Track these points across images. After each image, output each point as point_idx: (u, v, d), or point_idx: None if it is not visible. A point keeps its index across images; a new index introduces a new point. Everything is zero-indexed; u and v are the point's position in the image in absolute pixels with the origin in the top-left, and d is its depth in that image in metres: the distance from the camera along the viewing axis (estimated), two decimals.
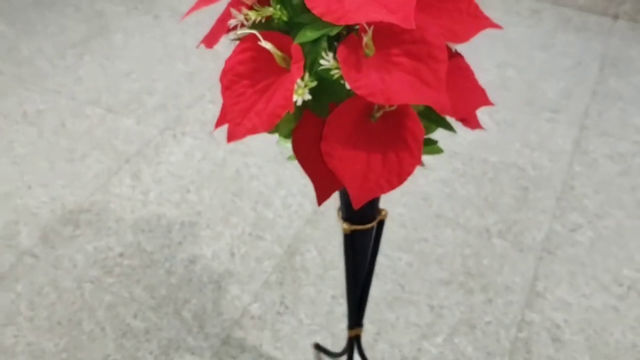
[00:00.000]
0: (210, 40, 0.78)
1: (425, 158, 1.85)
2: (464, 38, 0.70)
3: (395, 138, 0.70)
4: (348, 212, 0.95)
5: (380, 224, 0.99)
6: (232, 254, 1.60)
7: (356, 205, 0.71)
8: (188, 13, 0.73)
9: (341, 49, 0.65)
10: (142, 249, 1.60)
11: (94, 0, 2.62)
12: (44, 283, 1.52)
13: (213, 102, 2.06)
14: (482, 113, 2.02)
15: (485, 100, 0.78)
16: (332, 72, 0.68)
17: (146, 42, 2.37)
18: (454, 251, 1.60)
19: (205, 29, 2.37)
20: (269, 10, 0.72)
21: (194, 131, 1.96)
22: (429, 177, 1.80)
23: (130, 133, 1.95)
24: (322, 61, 0.67)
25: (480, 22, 0.72)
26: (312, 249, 1.61)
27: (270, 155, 1.87)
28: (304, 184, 1.78)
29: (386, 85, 0.64)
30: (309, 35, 0.67)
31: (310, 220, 1.68)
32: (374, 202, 0.94)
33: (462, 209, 1.71)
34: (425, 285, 1.52)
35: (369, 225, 0.96)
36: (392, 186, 0.70)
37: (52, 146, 1.91)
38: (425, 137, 0.82)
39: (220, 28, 0.76)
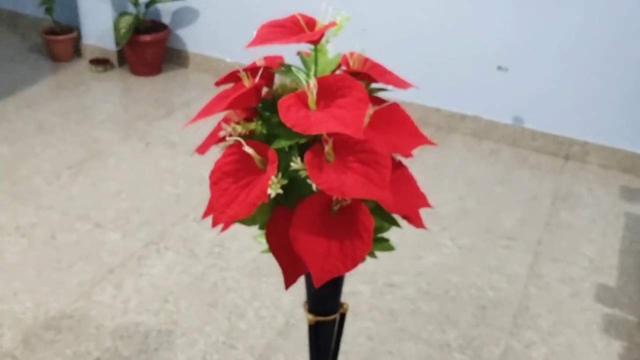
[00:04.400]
0: (202, 148, 0.96)
1: (394, 278, 1.99)
2: (405, 150, 0.88)
3: (350, 228, 0.85)
4: (313, 304, 1.07)
5: (342, 317, 1.11)
6: None
7: (317, 284, 0.84)
8: (193, 121, 0.90)
9: (308, 154, 0.82)
10: (119, 354, 1.67)
11: (92, 127, 2.84)
12: None
13: (196, 221, 2.22)
14: (445, 238, 2.19)
15: (425, 203, 0.94)
16: (300, 173, 0.84)
17: (137, 166, 2.56)
18: None
19: (193, 158, 2.59)
20: (252, 125, 0.90)
21: (176, 246, 2.09)
22: (395, 294, 1.93)
23: (116, 246, 2.08)
24: (292, 164, 0.84)
25: (418, 139, 0.91)
26: (282, 359, 1.69)
27: (246, 270, 2.00)
28: (277, 297, 1.89)
29: (342, 182, 0.81)
30: (282, 143, 0.84)
31: (281, 332, 1.78)
32: (337, 295, 1.07)
33: (425, 324, 1.82)
34: None
35: (331, 317, 1.08)
36: (347, 268, 0.85)
37: (40, 256, 2.02)
38: (378, 235, 0.97)
39: (211, 139, 0.94)
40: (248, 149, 0.84)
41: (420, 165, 2.62)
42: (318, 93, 0.84)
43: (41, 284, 1.91)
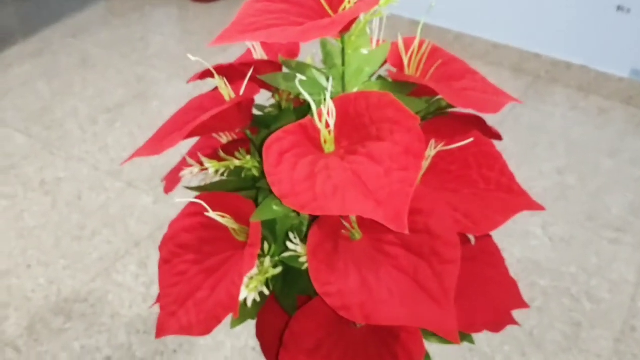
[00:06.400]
0: (169, 184, 0.62)
1: None
2: (487, 226, 0.51)
3: (382, 355, 0.51)
4: None
5: None
6: None
7: None
8: (127, 160, 0.57)
9: (313, 233, 0.47)
10: (132, 354, 1.43)
11: (138, 63, 2.55)
12: None
13: None
14: (535, 225, 1.80)
15: (518, 300, 0.58)
16: (301, 259, 0.50)
17: None
18: None
19: None
20: (235, 163, 0.55)
21: None
22: None
23: (146, 212, 1.82)
24: (289, 244, 0.50)
25: (516, 200, 0.53)
26: None
27: None
28: None
29: (369, 293, 0.46)
30: (275, 210, 0.49)
31: None
32: None
33: (500, 343, 1.47)
34: None
35: None
36: None
37: (62, 220, 1.79)
38: None
39: (178, 173, 0.60)
40: (215, 216, 0.50)
41: (511, 125, 2.18)
42: (338, 124, 0.48)
43: (59, 255, 1.68)
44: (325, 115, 0.47)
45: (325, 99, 0.47)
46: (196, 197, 0.52)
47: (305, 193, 0.44)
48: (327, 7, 0.50)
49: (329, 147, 0.49)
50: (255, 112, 0.62)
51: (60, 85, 2.40)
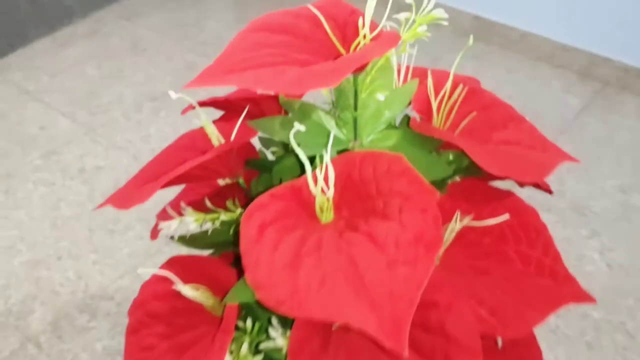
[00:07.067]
0: (155, 230, 0.54)
1: None
2: (518, 328, 0.40)
3: None
4: None
5: None
6: None
7: None
8: (100, 206, 0.50)
9: (298, 327, 0.38)
10: None
11: (189, 50, 2.50)
12: None
13: None
14: (592, 249, 1.66)
15: None
16: (284, 349, 0.41)
17: None
18: None
19: None
20: (222, 217, 0.46)
21: None
22: None
23: None
24: (271, 331, 0.41)
25: (560, 289, 0.43)
26: None
27: None
28: None
29: None
30: (248, 293, 0.40)
31: None
32: None
33: None
34: None
35: None
36: None
37: (97, 212, 1.76)
38: None
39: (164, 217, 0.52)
40: (185, 290, 0.42)
41: (574, 134, 2.03)
42: (339, 189, 0.39)
43: (90, 249, 1.65)
44: (321, 182, 0.37)
45: (320, 157, 0.38)
46: (168, 262, 0.44)
47: (281, 286, 0.35)
48: (337, 43, 0.40)
49: (327, 215, 0.39)
50: (259, 146, 0.54)
51: (109, 69, 2.37)
